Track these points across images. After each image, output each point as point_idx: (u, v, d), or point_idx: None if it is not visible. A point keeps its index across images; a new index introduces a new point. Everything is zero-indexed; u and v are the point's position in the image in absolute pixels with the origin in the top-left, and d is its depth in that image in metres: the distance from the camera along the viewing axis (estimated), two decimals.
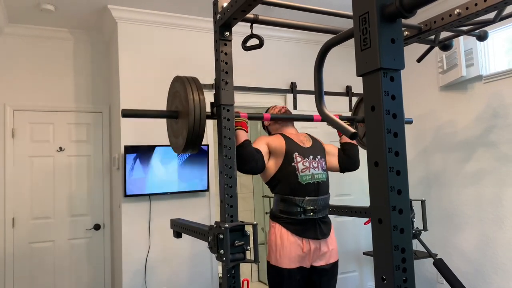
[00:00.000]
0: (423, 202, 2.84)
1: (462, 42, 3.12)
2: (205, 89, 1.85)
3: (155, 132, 3.38)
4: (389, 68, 0.86)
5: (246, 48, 1.88)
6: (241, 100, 3.51)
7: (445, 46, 2.52)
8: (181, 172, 3.35)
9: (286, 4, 1.82)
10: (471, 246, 3.22)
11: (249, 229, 1.76)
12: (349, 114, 3.92)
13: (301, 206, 2.28)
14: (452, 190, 3.39)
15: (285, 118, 2.47)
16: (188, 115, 1.74)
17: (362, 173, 4.12)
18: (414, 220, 2.80)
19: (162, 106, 3.36)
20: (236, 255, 1.70)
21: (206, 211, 3.52)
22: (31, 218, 3.54)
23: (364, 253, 3.54)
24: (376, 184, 0.86)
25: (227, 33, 1.81)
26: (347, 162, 2.53)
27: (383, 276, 0.84)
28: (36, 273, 3.51)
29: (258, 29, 1.97)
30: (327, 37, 1.40)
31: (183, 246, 3.38)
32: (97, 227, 3.74)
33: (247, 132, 2.23)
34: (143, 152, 3.22)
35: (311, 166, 2.36)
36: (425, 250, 2.84)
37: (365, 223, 2.94)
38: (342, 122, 1.09)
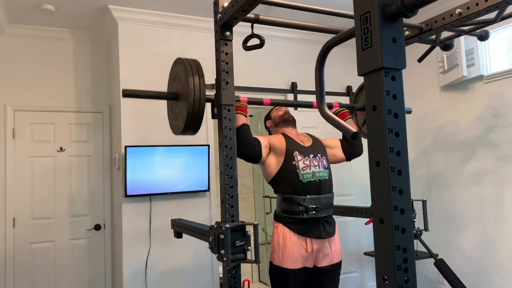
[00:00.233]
0: (424, 202, 2.83)
1: (463, 42, 3.12)
2: (205, 89, 1.86)
3: (156, 132, 3.38)
4: (390, 67, 0.86)
5: (247, 48, 1.88)
6: None
7: (446, 46, 2.51)
8: (182, 172, 3.34)
9: (287, 4, 1.82)
10: (472, 246, 3.22)
11: (250, 229, 1.76)
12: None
13: (303, 205, 2.28)
14: (453, 190, 3.38)
15: (285, 105, 2.48)
16: (188, 97, 1.74)
17: (363, 173, 4.13)
18: (415, 220, 2.80)
19: (163, 105, 3.36)
20: (237, 255, 1.70)
21: (206, 211, 3.52)
22: (32, 218, 3.54)
23: (365, 254, 3.53)
24: (378, 184, 0.86)
25: (227, 33, 1.81)
26: (351, 150, 2.56)
27: (385, 276, 0.84)
28: (37, 273, 3.51)
29: (258, 29, 1.97)
30: (328, 37, 1.40)
31: (184, 246, 3.37)
32: (97, 227, 3.74)
33: (246, 117, 2.25)
34: (144, 152, 3.22)
35: (311, 164, 2.36)
36: (426, 251, 2.83)
37: (366, 223, 2.93)
38: (343, 122, 1.09)
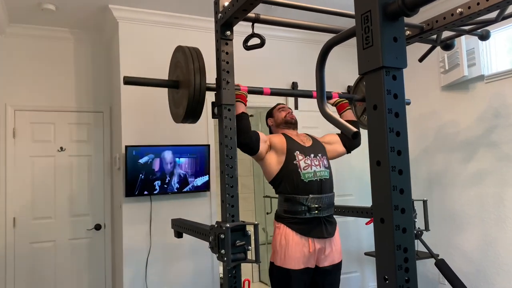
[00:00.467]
0: (425, 202, 2.83)
1: (464, 42, 3.11)
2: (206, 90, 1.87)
3: (156, 132, 3.38)
4: (391, 66, 0.86)
5: (247, 48, 1.88)
6: None
7: (447, 45, 2.51)
8: (182, 172, 3.34)
9: (288, 4, 1.82)
10: (473, 246, 3.21)
11: (250, 229, 1.76)
12: None
13: (305, 205, 2.27)
14: (454, 190, 3.38)
15: (285, 95, 2.49)
16: (188, 86, 1.74)
17: (363, 173, 4.13)
18: (416, 220, 2.80)
19: (163, 104, 3.35)
20: (237, 255, 1.70)
21: (207, 211, 3.52)
22: (32, 218, 3.54)
23: (366, 253, 3.53)
24: (379, 184, 0.86)
25: (228, 33, 1.81)
26: (351, 142, 2.60)
27: (385, 276, 0.84)
28: (37, 273, 3.51)
29: (259, 28, 1.97)
30: (329, 36, 1.40)
31: (184, 246, 3.37)
32: (98, 227, 3.74)
33: (245, 105, 2.27)
34: (144, 152, 3.22)
35: (312, 164, 2.36)
36: (426, 251, 2.83)
37: (367, 223, 2.93)
38: (343, 121, 1.09)
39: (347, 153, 2.63)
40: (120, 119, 3.33)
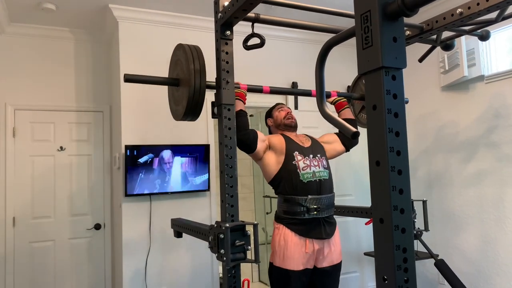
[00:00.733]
0: (424, 202, 2.83)
1: (464, 42, 3.11)
2: (206, 89, 1.88)
3: (156, 131, 3.38)
4: (391, 66, 0.86)
5: (247, 48, 1.87)
6: None
7: (447, 46, 2.51)
8: (182, 171, 3.34)
9: (288, 3, 1.82)
10: (473, 247, 3.21)
11: (249, 229, 1.76)
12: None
13: (304, 206, 2.27)
14: (454, 191, 3.38)
15: (284, 93, 2.50)
16: (188, 84, 1.74)
17: (363, 173, 4.13)
18: (415, 220, 2.79)
19: (163, 104, 3.36)
20: (237, 255, 1.69)
21: (206, 211, 3.52)
22: (32, 218, 3.54)
23: (365, 254, 3.53)
24: (378, 184, 0.86)
25: (228, 32, 1.81)
26: (350, 141, 2.61)
27: (385, 276, 0.84)
28: (37, 272, 3.51)
29: (259, 28, 1.97)
30: (329, 36, 1.40)
31: (184, 246, 3.37)
32: (97, 226, 3.74)
33: (244, 103, 2.29)
34: (144, 152, 3.22)
35: (311, 164, 2.36)
36: (426, 251, 2.83)
37: (366, 223, 2.93)
38: (343, 121, 1.09)
39: (346, 151, 2.64)
40: (120, 118, 3.33)
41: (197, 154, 3.40)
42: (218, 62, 1.83)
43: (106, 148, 3.84)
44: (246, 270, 4.53)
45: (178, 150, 3.34)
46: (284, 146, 2.39)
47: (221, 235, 1.68)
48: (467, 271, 3.23)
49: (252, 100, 3.53)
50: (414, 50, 2.93)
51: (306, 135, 2.60)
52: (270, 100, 3.53)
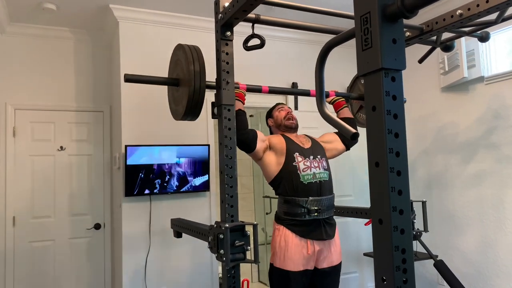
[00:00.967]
0: (424, 203, 2.83)
1: (464, 43, 3.12)
2: (205, 89, 1.88)
3: (156, 131, 3.38)
4: (390, 68, 0.86)
5: (248, 48, 1.88)
6: None
7: (447, 47, 2.51)
8: (182, 172, 3.35)
9: (288, 4, 1.82)
10: (472, 247, 3.22)
11: (249, 229, 1.76)
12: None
13: (305, 207, 2.27)
14: (453, 192, 3.38)
15: (283, 93, 2.51)
16: (188, 85, 1.75)
17: (362, 174, 4.13)
18: (415, 221, 2.80)
19: (163, 104, 3.35)
20: (236, 255, 1.70)
21: (206, 211, 3.52)
22: (32, 217, 3.54)
23: (365, 254, 3.53)
24: (377, 185, 0.86)
25: (228, 33, 1.81)
26: (350, 140, 2.62)
27: (383, 277, 0.84)
28: (36, 272, 3.51)
29: (259, 29, 1.97)
30: (328, 37, 1.40)
31: (183, 246, 3.38)
32: (97, 226, 3.74)
33: (243, 103, 2.30)
34: (144, 152, 3.22)
35: (312, 165, 2.36)
36: (425, 251, 2.83)
37: (365, 224, 2.93)
38: (342, 122, 1.09)
39: (347, 150, 2.65)
40: (120, 118, 3.34)
41: (197, 154, 3.40)
42: (218, 63, 1.83)
43: (106, 148, 3.85)
44: (246, 270, 4.53)
45: (178, 150, 3.34)
46: (285, 146, 2.39)
47: (220, 235, 1.68)
48: (467, 272, 3.23)
49: (252, 100, 3.54)
50: (414, 51, 2.93)
51: (306, 135, 2.61)
52: (270, 101, 3.54)
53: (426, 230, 2.79)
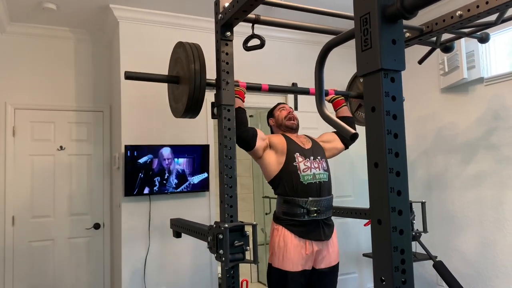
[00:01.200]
0: (423, 204, 2.83)
1: (464, 44, 3.12)
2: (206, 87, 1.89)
3: (156, 131, 3.38)
4: (389, 69, 0.86)
5: (247, 49, 1.88)
6: None
7: (447, 48, 2.52)
8: (181, 171, 3.35)
9: (288, 5, 1.82)
10: (472, 248, 3.22)
11: (248, 230, 1.76)
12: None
13: (305, 207, 2.27)
14: (453, 192, 3.38)
15: (283, 91, 2.52)
16: (188, 83, 1.75)
17: (362, 174, 4.13)
18: (414, 222, 2.80)
19: (163, 104, 3.35)
20: (236, 255, 1.70)
21: (206, 211, 3.52)
22: (31, 217, 3.54)
23: (364, 255, 3.53)
24: (376, 185, 0.86)
25: (228, 33, 1.81)
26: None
27: (382, 277, 0.84)
28: (36, 271, 3.51)
29: (259, 29, 1.97)
30: (328, 38, 1.40)
31: (183, 246, 3.38)
32: (97, 226, 3.74)
33: (243, 101, 2.30)
34: (144, 152, 3.22)
35: (312, 166, 2.36)
36: (425, 252, 2.83)
37: (365, 225, 2.94)
38: (342, 123, 1.09)
39: (346, 149, 2.66)
40: (120, 118, 3.34)
41: (196, 154, 3.40)
42: (218, 63, 1.83)
43: (106, 148, 3.85)
44: (245, 270, 4.53)
45: (178, 150, 3.34)
46: (285, 146, 2.39)
47: (220, 236, 1.68)
48: (466, 273, 3.23)
49: (252, 100, 3.55)
50: (414, 52, 2.94)
51: (307, 136, 2.61)
52: (270, 101, 3.54)
53: (425, 230, 2.79)
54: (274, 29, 3.56)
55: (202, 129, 3.56)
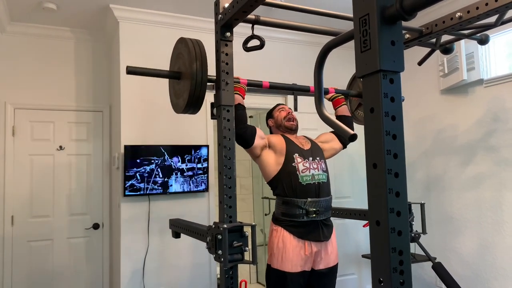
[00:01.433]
0: (422, 205, 2.83)
1: (463, 46, 3.12)
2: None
3: (155, 132, 3.38)
4: (388, 70, 0.86)
5: (247, 49, 1.88)
6: None
7: (446, 49, 2.52)
8: (181, 172, 3.34)
9: (287, 6, 1.82)
10: (470, 250, 3.22)
11: (247, 230, 1.76)
12: None
13: (304, 208, 2.27)
14: (452, 194, 3.38)
15: (283, 89, 2.53)
16: (190, 79, 1.75)
17: (361, 175, 4.13)
18: (413, 223, 2.80)
19: (163, 104, 3.36)
20: (234, 255, 1.70)
21: (205, 212, 3.52)
22: (30, 217, 3.54)
23: (363, 256, 3.53)
24: (374, 186, 0.86)
25: (228, 34, 1.81)
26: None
27: (380, 278, 0.84)
28: (35, 271, 3.51)
29: (259, 30, 1.97)
30: (328, 38, 1.40)
31: (182, 247, 3.37)
32: (96, 226, 3.74)
33: (243, 98, 2.30)
34: (143, 152, 3.22)
35: (311, 167, 2.36)
36: (424, 254, 2.83)
37: (364, 226, 2.94)
38: (341, 124, 1.09)
39: (344, 148, 2.66)
40: (119, 118, 3.34)
41: (196, 154, 3.40)
42: (217, 63, 1.83)
43: (106, 148, 3.85)
44: (244, 271, 4.53)
45: (177, 150, 3.34)
46: (285, 147, 2.39)
47: (219, 236, 1.68)
48: (465, 274, 3.23)
49: (252, 101, 3.55)
50: (414, 53, 2.94)
51: (306, 137, 2.61)
52: (270, 102, 3.55)
53: (424, 232, 2.79)
54: (274, 30, 3.57)
55: (202, 130, 3.56)
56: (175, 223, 2.28)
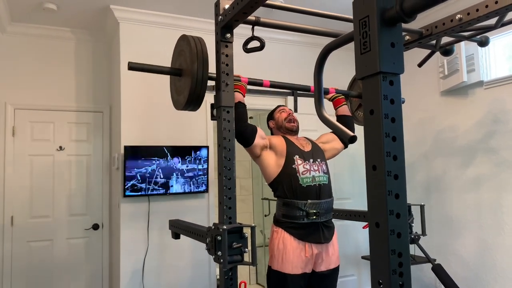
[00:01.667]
0: (422, 207, 2.83)
1: (463, 48, 3.12)
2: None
3: (155, 132, 3.38)
4: (388, 72, 0.86)
5: (247, 50, 1.88)
6: None
7: (446, 51, 2.52)
8: (181, 173, 3.34)
9: (288, 7, 1.82)
10: (470, 252, 3.22)
11: (247, 231, 1.76)
12: None
13: (304, 210, 2.27)
14: (452, 195, 3.38)
15: (283, 88, 2.53)
16: (191, 76, 1.75)
17: (362, 175, 4.13)
18: (412, 224, 2.80)
19: (163, 105, 3.36)
20: (234, 257, 1.69)
21: (205, 213, 3.52)
22: (30, 217, 3.53)
23: (363, 257, 3.53)
24: (374, 188, 0.86)
25: (228, 35, 1.82)
26: None
27: (380, 280, 0.84)
28: (34, 272, 3.51)
29: (259, 31, 1.98)
30: (328, 40, 1.41)
31: (181, 247, 3.37)
32: (95, 226, 3.74)
33: (244, 96, 2.30)
34: (143, 153, 3.22)
35: (311, 168, 2.36)
36: (423, 255, 2.83)
37: (364, 227, 2.93)
38: (341, 126, 1.09)
39: (345, 148, 2.66)
40: (119, 119, 3.34)
41: (196, 155, 3.40)
42: (218, 65, 1.83)
43: (105, 148, 3.85)
44: (243, 272, 4.53)
45: (177, 151, 3.34)
46: (285, 148, 2.39)
47: (218, 237, 1.68)
48: (465, 276, 3.23)
49: (252, 102, 3.55)
50: (414, 55, 2.94)
51: (306, 138, 2.60)
52: (270, 103, 3.55)
53: (424, 233, 2.79)
54: (274, 31, 3.56)
55: (202, 130, 3.56)
56: (175, 224, 2.27)
